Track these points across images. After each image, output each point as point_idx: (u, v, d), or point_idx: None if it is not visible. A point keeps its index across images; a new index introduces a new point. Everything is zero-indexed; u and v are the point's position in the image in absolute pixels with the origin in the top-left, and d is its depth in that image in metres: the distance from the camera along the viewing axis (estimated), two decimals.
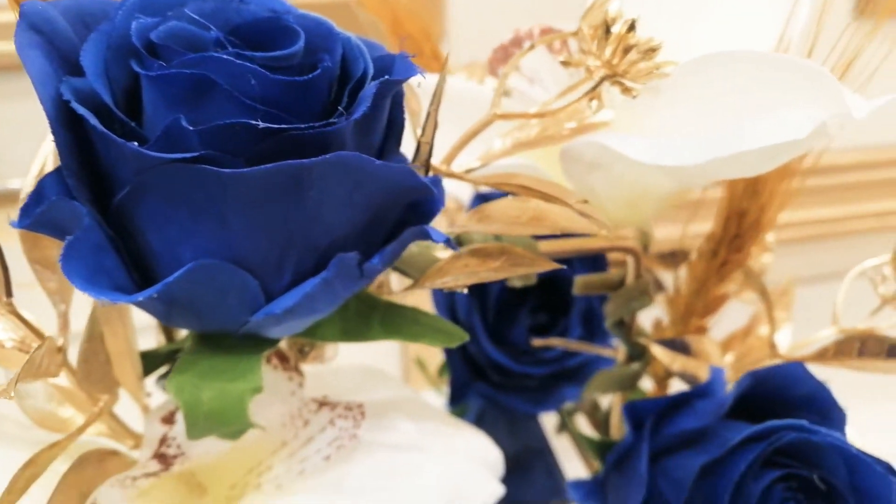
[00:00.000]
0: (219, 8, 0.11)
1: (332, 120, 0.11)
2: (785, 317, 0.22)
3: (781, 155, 0.12)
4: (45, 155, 0.13)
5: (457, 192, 0.20)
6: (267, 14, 0.12)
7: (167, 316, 0.12)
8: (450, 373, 0.22)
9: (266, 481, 0.15)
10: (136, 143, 0.10)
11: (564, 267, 0.14)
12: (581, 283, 0.18)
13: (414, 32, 0.20)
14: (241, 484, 0.15)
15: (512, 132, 0.15)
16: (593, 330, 0.22)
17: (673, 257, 0.22)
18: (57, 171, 0.11)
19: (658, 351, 0.17)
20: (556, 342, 0.20)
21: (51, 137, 0.12)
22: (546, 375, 0.21)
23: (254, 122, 0.10)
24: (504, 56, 0.16)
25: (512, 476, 0.17)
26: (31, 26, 0.11)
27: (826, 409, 0.16)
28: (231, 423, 0.12)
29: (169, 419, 0.14)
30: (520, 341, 0.21)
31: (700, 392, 0.17)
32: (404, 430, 0.16)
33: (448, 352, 0.22)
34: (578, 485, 0.17)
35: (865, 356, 0.19)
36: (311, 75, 0.11)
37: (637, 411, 0.16)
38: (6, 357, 0.14)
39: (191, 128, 0.10)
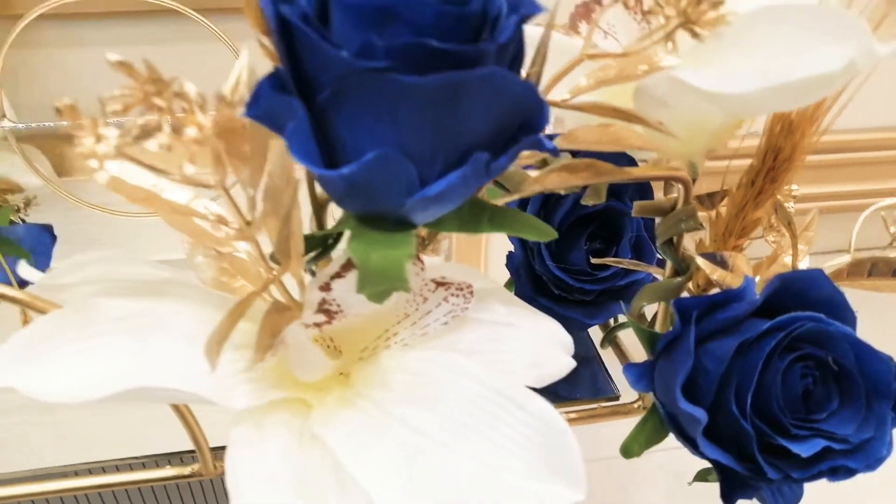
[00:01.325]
0: None
1: (484, 41, 0.14)
2: (806, 249, 0.25)
3: (819, 88, 0.15)
4: (240, 67, 0.17)
5: None
6: None
7: (343, 195, 0.16)
8: (516, 287, 0.26)
9: (394, 343, 0.19)
10: (344, 52, 0.14)
11: (634, 176, 0.17)
12: (638, 207, 0.22)
13: None
14: (370, 347, 0.19)
15: (595, 72, 0.19)
16: (640, 255, 0.26)
17: (710, 198, 0.26)
18: (269, 76, 0.15)
19: (702, 262, 0.21)
20: (611, 261, 0.24)
21: (244, 58, 0.16)
22: (599, 292, 0.25)
23: (429, 41, 0.14)
24: (585, 11, 0.20)
25: (565, 379, 0.21)
26: None
27: (840, 310, 0.20)
28: (392, 279, 0.15)
29: (326, 287, 0.17)
30: (579, 263, 0.25)
31: (735, 295, 0.20)
32: (498, 310, 0.19)
33: (515, 270, 0.26)
34: (631, 368, 0.21)
35: (874, 276, 0.22)
36: (468, 7, 0.14)
37: (685, 306, 0.20)
38: (199, 232, 0.18)
39: (380, 44, 0.14)
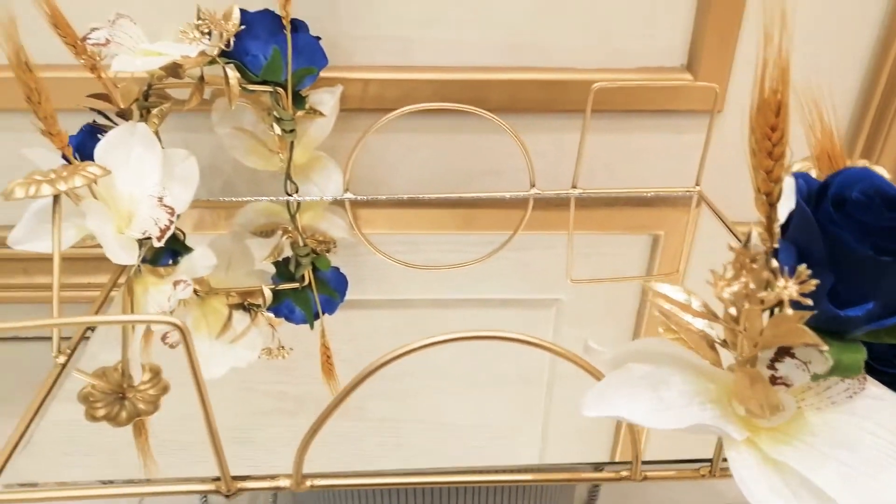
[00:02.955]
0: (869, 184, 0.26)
1: None
2: None
3: None
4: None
5: None
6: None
7: (826, 320, 0.27)
8: None
9: (805, 406, 0.29)
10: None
11: None
12: None
13: None
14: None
15: None
16: None
17: None
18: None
19: None
20: None
21: None
22: None
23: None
24: None
25: None
26: None
27: None
28: (854, 371, 0.26)
29: (771, 367, 0.28)
30: None
31: None
32: (874, 391, 0.30)
33: None
34: None
35: None
36: None
37: None
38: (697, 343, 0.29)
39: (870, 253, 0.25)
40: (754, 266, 0.23)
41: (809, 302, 0.23)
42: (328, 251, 0.58)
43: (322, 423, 0.30)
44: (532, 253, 0.58)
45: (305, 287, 0.54)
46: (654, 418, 0.27)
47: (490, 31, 0.59)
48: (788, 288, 0.23)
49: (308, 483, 0.32)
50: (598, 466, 0.34)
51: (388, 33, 0.59)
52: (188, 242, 0.56)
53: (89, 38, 0.48)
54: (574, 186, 0.60)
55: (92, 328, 0.46)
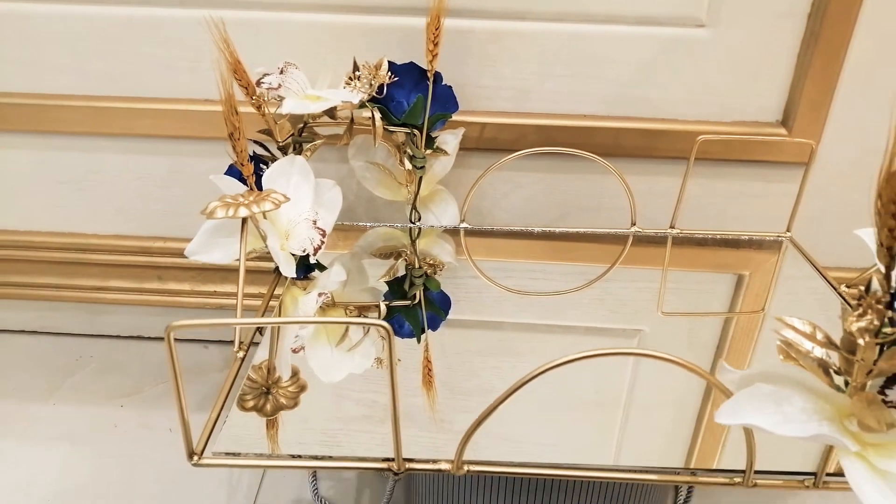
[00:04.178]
0: None
1: None
2: None
3: None
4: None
5: None
6: None
7: None
8: None
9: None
10: None
11: None
12: None
13: None
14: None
15: None
16: None
17: None
18: None
19: None
20: None
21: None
22: None
23: None
24: None
25: None
26: None
27: None
28: None
29: (882, 392, 0.33)
30: None
31: None
32: None
33: None
34: None
35: None
36: None
37: None
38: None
39: None
40: (879, 306, 0.29)
41: None
42: (436, 273, 0.65)
43: (487, 415, 0.36)
44: (619, 285, 0.63)
45: (416, 305, 0.61)
46: (780, 428, 0.32)
47: (599, 84, 0.66)
48: None
49: (465, 468, 0.38)
50: (714, 472, 0.40)
51: (507, 84, 0.66)
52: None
53: (262, 83, 0.56)
54: (672, 227, 0.66)
55: (261, 332, 0.53)
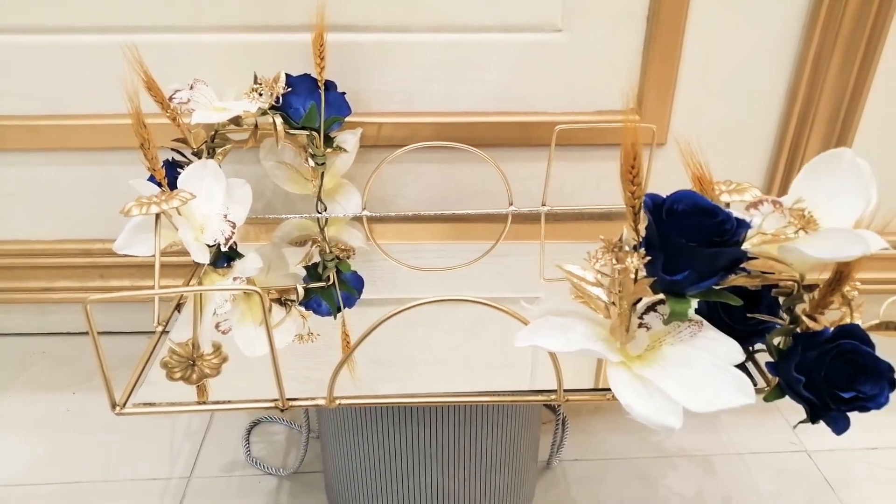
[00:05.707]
0: (690, 200, 0.41)
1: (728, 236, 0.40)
2: (858, 315, 0.49)
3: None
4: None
5: None
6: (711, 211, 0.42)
7: (667, 286, 0.42)
8: None
9: (665, 343, 0.45)
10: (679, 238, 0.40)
11: (780, 279, 0.43)
12: (775, 292, 0.47)
13: None
14: (657, 342, 0.45)
15: (763, 238, 0.44)
16: (772, 314, 0.50)
17: (809, 289, 0.51)
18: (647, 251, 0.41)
19: (805, 319, 0.46)
20: (758, 316, 0.49)
21: None
22: (748, 331, 0.50)
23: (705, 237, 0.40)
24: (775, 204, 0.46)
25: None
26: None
27: (865, 338, 0.44)
28: (683, 317, 0.41)
29: (640, 318, 0.44)
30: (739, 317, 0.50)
31: (820, 333, 0.45)
32: (711, 333, 0.45)
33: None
34: (770, 365, 0.46)
35: (889, 329, 0.46)
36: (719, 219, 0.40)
37: (799, 335, 0.45)
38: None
39: (684, 241, 0.40)
40: (621, 250, 0.39)
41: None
42: (348, 257, 0.74)
43: (348, 357, 0.45)
44: (515, 259, 0.72)
45: (330, 286, 0.70)
46: (561, 346, 0.42)
47: (476, 85, 0.76)
48: (634, 260, 0.39)
49: (336, 402, 0.48)
50: (533, 392, 0.50)
51: (397, 87, 0.76)
52: (239, 250, 0.72)
53: (174, 98, 0.65)
54: (543, 204, 0.76)
55: (178, 309, 0.62)
